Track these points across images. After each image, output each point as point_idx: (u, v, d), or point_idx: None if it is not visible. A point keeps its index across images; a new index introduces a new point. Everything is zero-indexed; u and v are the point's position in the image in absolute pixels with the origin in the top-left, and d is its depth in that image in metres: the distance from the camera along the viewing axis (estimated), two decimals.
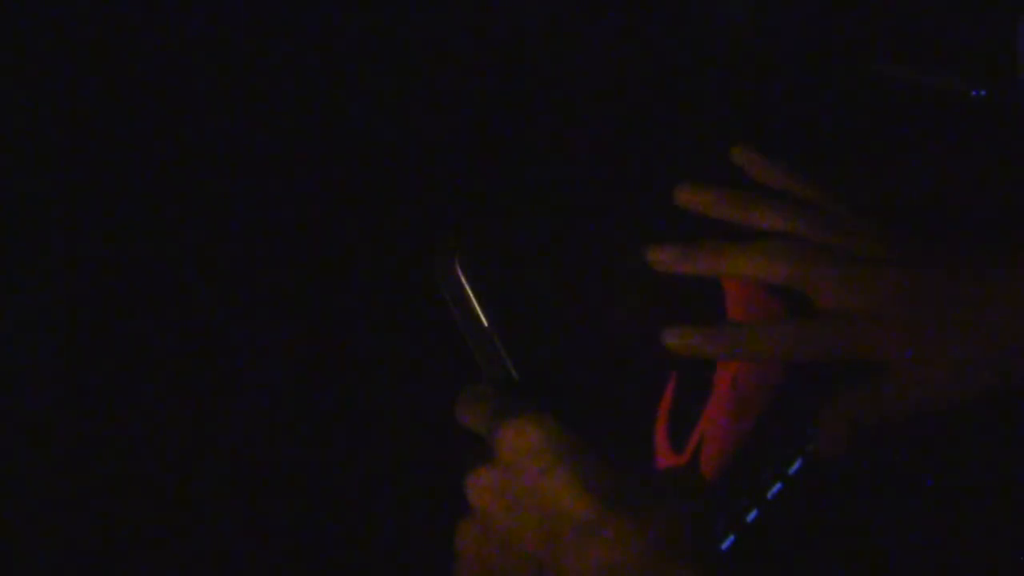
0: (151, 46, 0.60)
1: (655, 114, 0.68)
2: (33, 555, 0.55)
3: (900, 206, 0.64)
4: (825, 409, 0.48)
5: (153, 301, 0.58)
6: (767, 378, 0.52)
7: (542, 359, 0.46)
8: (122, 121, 0.59)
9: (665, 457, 0.51)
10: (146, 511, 0.56)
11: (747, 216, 0.48)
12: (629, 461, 0.51)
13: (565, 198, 0.60)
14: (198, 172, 0.60)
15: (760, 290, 0.50)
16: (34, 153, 0.58)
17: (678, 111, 0.68)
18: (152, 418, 0.57)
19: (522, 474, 0.40)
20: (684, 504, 0.41)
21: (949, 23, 0.68)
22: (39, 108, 0.58)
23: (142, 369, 0.58)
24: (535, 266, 0.52)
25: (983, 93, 0.66)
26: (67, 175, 0.58)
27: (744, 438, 0.54)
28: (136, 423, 0.57)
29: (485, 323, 0.44)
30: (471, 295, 0.44)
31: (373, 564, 0.58)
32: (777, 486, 0.54)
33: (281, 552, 0.57)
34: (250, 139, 0.61)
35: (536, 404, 0.42)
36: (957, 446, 0.58)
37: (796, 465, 0.56)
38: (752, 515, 0.53)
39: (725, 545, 0.51)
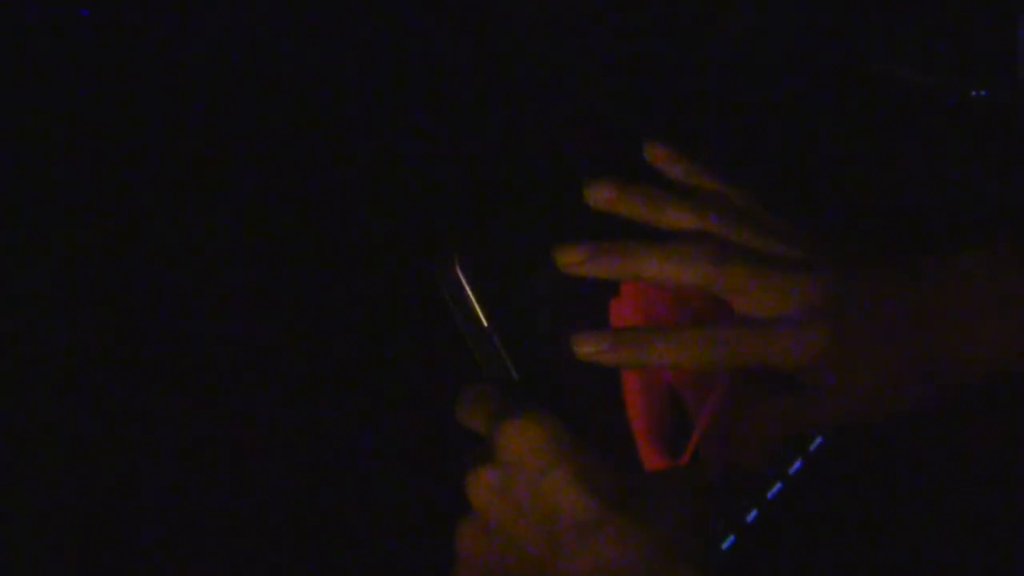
0: (152, 46, 0.60)
1: (655, 114, 0.68)
2: (33, 555, 0.55)
3: (899, 206, 0.64)
4: (743, 421, 0.45)
5: (153, 301, 0.58)
6: (765, 376, 0.51)
7: (542, 359, 0.46)
8: (122, 121, 0.59)
9: (653, 459, 0.51)
10: (146, 511, 0.56)
11: (659, 215, 0.45)
12: (629, 461, 0.51)
13: (565, 199, 0.61)
14: (198, 172, 0.60)
15: (661, 296, 0.49)
16: (34, 153, 0.58)
17: (678, 112, 0.68)
18: (152, 418, 0.57)
19: (522, 474, 0.40)
20: (684, 504, 0.41)
21: (949, 23, 0.68)
22: (39, 108, 0.58)
23: (142, 369, 0.58)
24: (535, 266, 0.52)
25: (983, 93, 0.66)
26: (67, 175, 0.58)
27: (743, 437, 0.54)
28: (136, 423, 0.57)
29: (485, 323, 0.44)
30: (471, 295, 0.44)
31: (373, 564, 0.58)
32: (777, 486, 0.54)
33: (281, 552, 0.57)
34: (250, 139, 0.61)
35: (536, 404, 0.42)
36: (957, 445, 0.58)
37: (796, 465, 0.56)
38: (752, 515, 0.53)
39: (725, 545, 0.51)
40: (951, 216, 0.64)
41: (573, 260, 0.44)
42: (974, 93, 0.66)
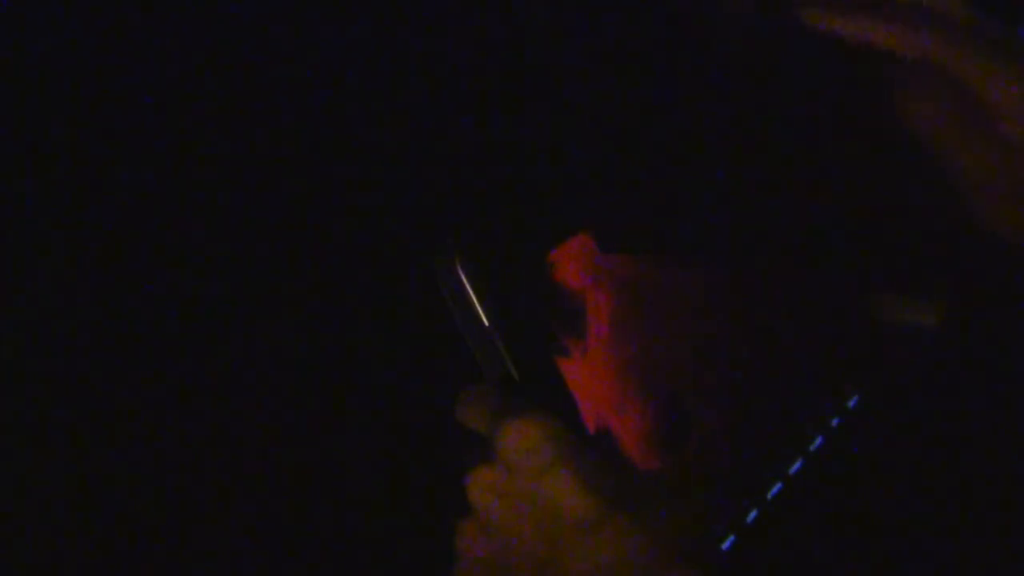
0: (151, 45, 0.60)
1: (655, 114, 0.68)
2: (33, 555, 0.55)
3: (899, 206, 0.64)
4: None
5: (153, 301, 0.58)
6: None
7: (542, 359, 0.46)
8: (122, 121, 0.59)
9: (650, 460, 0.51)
10: (146, 511, 0.56)
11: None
12: (629, 461, 0.51)
13: (565, 198, 0.61)
14: (198, 173, 0.60)
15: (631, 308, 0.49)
16: (34, 153, 0.58)
17: (678, 111, 0.68)
18: (152, 418, 0.57)
19: (522, 474, 0.40)
20: (684, 504, 0.41)
21: None
22: (39, 108, 0.58)
23: (142, 369, 0.58)
24: (535, 266, 0.52)
25: None
26: (67, 175, 0.58)
27: (742, 438, 0.55)
28: (136, 423, 0.57)
29: (485, 323, 0.44)
30: (471, 295, 0.44)
31: (373, 564, 0.58)
32: (777, 486, 0.54)
33: (281, 552, 0.57)
34: (250, 139, 0.61)
35: (536, 404, 0.42)
36: (957, 445, 0.58)
37: (796, 465, 0.56)
38: (752, 515, 0.53)
39: (725, 545, 0.51)
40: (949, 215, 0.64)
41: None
42: None
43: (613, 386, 0.51)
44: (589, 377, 0.49)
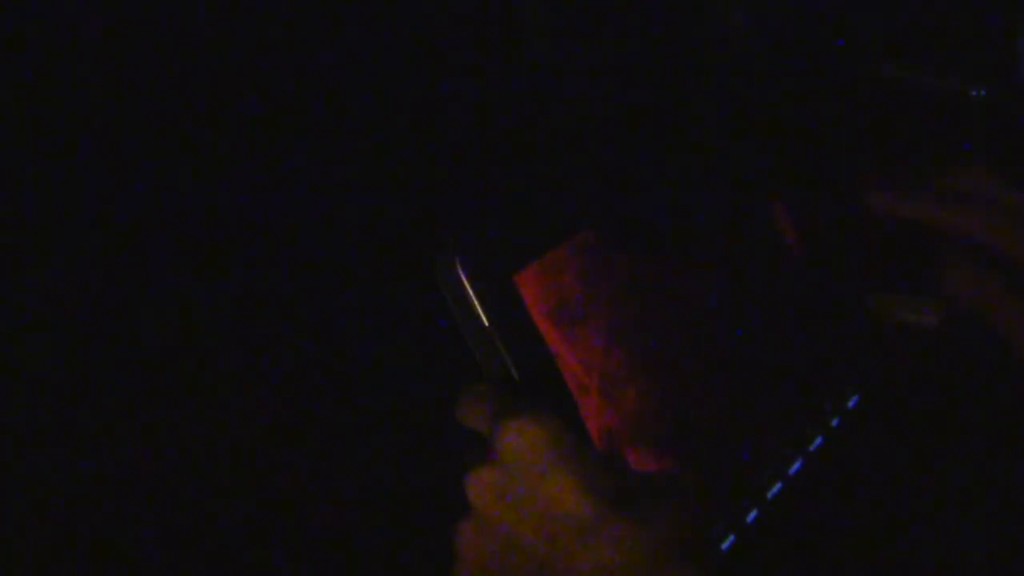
0: (151, 45, 0.60)
1: (655, 114, 0.68)
2: (33, 555, 0.55)
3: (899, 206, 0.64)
4: None
5: (153, 301, 0.58)
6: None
7: (542, 359, 0.46)
8: (122, 120, 0.59)
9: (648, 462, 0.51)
10: (146, 511, 0.56)
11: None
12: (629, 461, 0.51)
13: (565, 198, 0.60)
14: (198, 173, 0.60)
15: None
16: (34, 153, 0.58)
17: (678, 111, 0.68)
18: (152, 418, 0.57)
19: (522, 474, 0.40)
20: (684, 504, 0.41)
21: (949, 23, 0.68)
22: (39, 108, 0.58)
23: (141, 369, 0.58)
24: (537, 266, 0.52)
25: (983, 93, 0.66)
26: (67, 175, 0.58)
27: (741, 437, 0.55)
28: (135, 423, 0.57)
29: (485, 323, 0.44)
30: (471, 295, 0.44)
31: (373, 564, 0.58)
32: (777, 486, 0.54)
33: (281, 552, 0.57)
34: (250, 139, 0.61)
35: (536, 404, 0.42)
36: (957, 445, 0.58)
37: (796, 465, 0.56)
38: (752, 515, 0.53)
39: (725, 545, 0.51)
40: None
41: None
42: (974, 93, 0.66)
43: (613, 386, 0.51)
44: (590, 378, 0.49)
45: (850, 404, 0.61)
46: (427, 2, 0.66)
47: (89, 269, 0.58)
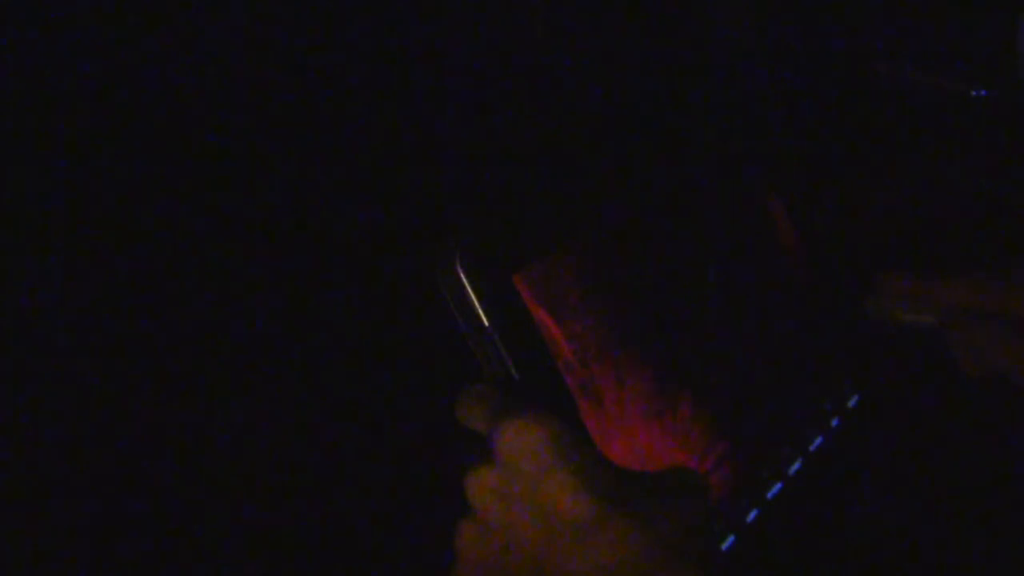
0: (151, 44, 0.60)
1: (655, 114, 0.68)
2: (33, 555, 0.55)
3: (899, 206, 0.64)
4: None
5: (153, 302, 0.58)
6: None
7: (542, 359, 0.46)
8: (121, 120, 0.59)
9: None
10: (146, 511, 0.56)
11: None
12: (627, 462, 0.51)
13: (565, 198, 0.60)
14: (198, 172, 0.60)
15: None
16: (34, 153, 0.58)
17: (678, 111, 0.68)
18: (152, 418, 0.57)
19: (522, 474, 0.40)
20: (684, 504, 0.41)
21: (949, 23, 0.68)
22: (39, 108, 0.58)
23: (141, 369, 0.58)
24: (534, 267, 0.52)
25: (983, 93, 0.66)
26: (67, 175, 0.58)
27: (745, 440, 0.55)
28: (136, 423, 0.57)
29: (485, 323, 0.44)
30: (471, 295, 0.44)
31: (373, 564, 0.58)
32: (777, 486, 0.54)
33: (281, 552, 0.57)
34: (250, 139, 0.61)
35: (536, 404, 0.42)
36: (957, 445, 0.58)
37: (796, 465, 0.56)
38: (752, 515, 0.53)
39: (725, 545, 0.51)
40: (951, 216, 0.64)
41: None
42: (974, 93, 0.66)
43: (613, 386, 0.51)
44: (590, 379, 0.49)
45: (850, 404, 0.61)
46: (427, 2, 0.66)
47: (89, 269, 0.58)
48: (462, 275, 0.44)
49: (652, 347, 0.52)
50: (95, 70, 0.59)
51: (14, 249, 0.57)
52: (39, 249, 0.57)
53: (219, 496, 0.57)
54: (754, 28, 0.70)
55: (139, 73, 0.60)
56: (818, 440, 0.58)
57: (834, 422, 0.59)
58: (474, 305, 0.44)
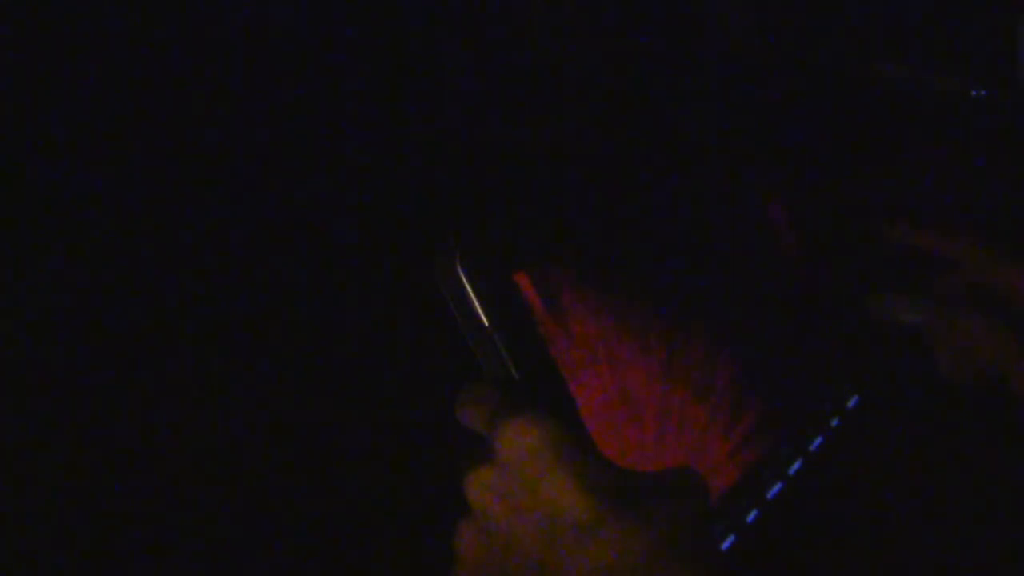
0: (151, 44, 0.60)
1: (655, 114, 0.68)
2: (32, 555, 0.55)
3: (899, 205, 0.64)
4: None
5: (153, 302, 0.58)
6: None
7: (542, 359, 0.46)
8: (121, 120, 0.59)
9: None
10: (145, 511, 0.56)
11: None
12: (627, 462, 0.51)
13: (565, 198, 0.60)
14: (198, 173, 0.60)
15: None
16: (34, 153, 0.58)
17: (678, 111, 0.68)
18: (152, 418, 0.57)
19: (522, 474, 0.40)
20: (684, 504, 0.41)
21: (949, 23, 0.68)
22: (39, 108, 0.58)
23: (141, 369, 0.58)
24: (535, 266, 0.52)
25: (983, 93, 0.66)
26: (67, 175, 0.58)
27: (745, 438, 0.55)
28: (136, 423, 0.57)
29: (485, 323, 0.44)
30: (471, 295, 0.44)
31: (373, 564, 0.58)
32: (777, 486, 0.54)
33: (281, 552, 0.57)
34: (249, 139, 0.61)
35: (536, 404, 0.42)
36: (957, 445, 0.58)
37: (796, 465, 0.56)
38: (752, 515, 0.53)
39: (725, 545, 0.51)
40: (950, 215, 0.64)
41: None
42: (974, 93, 0.66)
43: (613, 386, 0.51)
44: (590, 378, 0.49)
45: (850, 404, 0.61)
46: (427, 2, 0.66)
47: (89, 269, 0.58)
48: (462, 275, 0.44)
49: (652, 347, 0.52)
50: (95, 70, 0.59)
51: (14, 249, 0.57)
52: (39, 249, 0.57)
53: (219, 496, 0.57)
54: (754, 28, 0.70)
55: (139, 73, 0.60)
56: (818, 440, 0.58)
57: (834, 422, 0.59)
58: (474, 305, 0.44)
